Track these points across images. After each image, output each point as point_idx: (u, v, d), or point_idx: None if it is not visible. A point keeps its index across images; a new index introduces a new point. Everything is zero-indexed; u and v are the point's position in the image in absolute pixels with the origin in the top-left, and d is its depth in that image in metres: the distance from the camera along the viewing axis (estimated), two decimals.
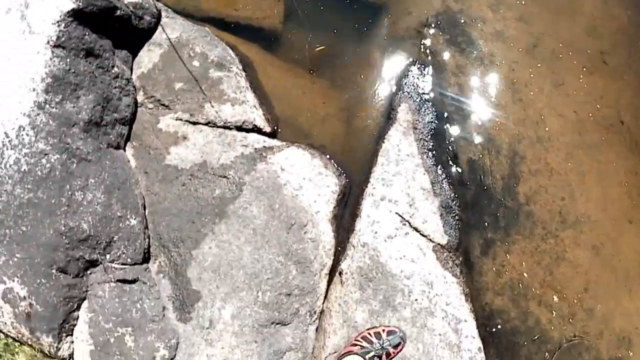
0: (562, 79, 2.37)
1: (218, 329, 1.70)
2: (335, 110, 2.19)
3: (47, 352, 1.62)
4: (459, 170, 2.13)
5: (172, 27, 2.12)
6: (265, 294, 1.74)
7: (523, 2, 2.47)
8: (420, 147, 2.06)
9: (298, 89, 2.19)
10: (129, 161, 1.91)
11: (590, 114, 2.34)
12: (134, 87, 2.01)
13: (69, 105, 1.75)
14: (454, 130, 2.19)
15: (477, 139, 2.20)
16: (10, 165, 1.63)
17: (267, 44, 2.28)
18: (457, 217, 2.02)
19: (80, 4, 1.74)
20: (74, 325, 1.68)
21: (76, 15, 1.74)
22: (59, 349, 1.64)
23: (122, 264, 1.74)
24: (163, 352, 1.68)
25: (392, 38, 2.33)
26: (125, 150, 1.94)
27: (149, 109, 2.00)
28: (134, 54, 2.08)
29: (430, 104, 2.20)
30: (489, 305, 2.00)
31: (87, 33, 1.81)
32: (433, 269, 1.87)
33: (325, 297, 1.85)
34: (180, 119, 1.97)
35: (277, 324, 1.73)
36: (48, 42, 1.70)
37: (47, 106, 1.69)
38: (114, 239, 1.74)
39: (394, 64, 2.29)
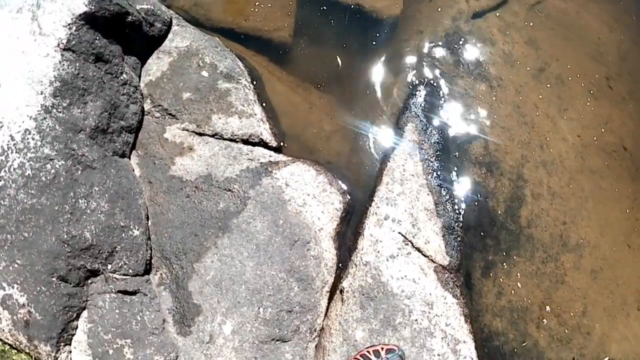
0: (567, 104, 2.39)
1: (218, 344, 1.69)
2: (341, 127, 2.19)
3: None
4: (463, 191, 2.14)
5: (183, 36, 2.12)
6: (266, 310, 1.73)
7: (532, 26, 2.49)
8: (425, 167, 2.07)
9: (305, 103, 2.19)
10: (133, 170, 1.90)
11: (594, 139, 2.36)
12: (142, 94, 2.00)
13: (76, 111, 1.74)
14: (459, 152, 2.20)
15: (482, 161, 2.21)
16: (14, 169, 1.62)
17: (276, 56, 2.28)
18: (459, 239, 2.03)
19: (93, 7, 1.73)
20: (73, 334, 1.67)
21: (88, 19, 1.73)
22: (57, 358, 1.62)
23: (124, 274, 1.73)
24: None
25: (401, 56, 2.34)
26: (130, 158, 1.93)
27: (156, 117, 1.99)
28: (143, 61, 2.08)
29: (437, 124, 2.21)
30: (488, 326, 2.01)
31: (97, 37, 1.80)
32: (434, 289, 1.88)
33: (326, 314, 1.84)
34: (187, 130, 1.97)
35: (278, 340, 1.73)
36: (58, 45, 1.69)
37: (55, 110, 1.68)
38: (116, 249, 1.73)
39: (401, 82, 2.30)
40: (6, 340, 1.61)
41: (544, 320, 2.05)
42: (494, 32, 2.43)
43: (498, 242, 2.11)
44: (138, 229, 1.78)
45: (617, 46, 2.59)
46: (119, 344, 1.66)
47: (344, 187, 2.03)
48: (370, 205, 1.97)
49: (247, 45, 2.28)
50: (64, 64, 1.69)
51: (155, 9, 2.06)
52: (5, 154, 1.62)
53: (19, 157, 1.62)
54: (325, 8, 2.36)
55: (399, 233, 1.93)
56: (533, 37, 2.47)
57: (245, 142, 1.98)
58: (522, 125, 2.30)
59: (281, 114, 2.15)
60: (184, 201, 1.85)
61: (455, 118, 2.25)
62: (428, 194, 2.02)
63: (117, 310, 1.68)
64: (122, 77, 1.91)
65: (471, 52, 2.38)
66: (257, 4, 2.33)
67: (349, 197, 2.01)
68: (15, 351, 1.60)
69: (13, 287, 1.59)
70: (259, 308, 1.73)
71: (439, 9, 2.46)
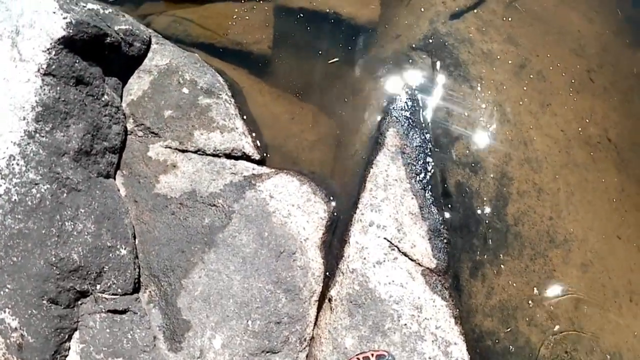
0: (549, 99, 2.39)
1: (209, 358, 1.71)
2: (323, 136, 2.20)
3: None
4: (447, 193, 2.15)
5: (162, 54, 2.14)
6: (255, 322, 1.75)
7: (510, 22, 2.50)
8: (408, 171, 2.08)
9: (286, 114, 2.21)
10: (118, 190, 1.92)
11: (577, 132, 2.36)
12: (124, 114, 2.03)
13: (59, 134, 1.76)
14: (442, 153, 2.21)
15: (465, 161, 2.22)
16: (0, 195, 1.64)
17: (256, 69, 2.30)
18: (445, 241, 2.04)
19: (71, 31, 1.75)
20: (66, 356, 1.69)
21: (67, 43, 1.76)
22: None
23: (113, 294, 1.75)
24: None
25: (380, 61, 2.36)
26: (115, 179, 1.96)
27: (139, 136, 2.02)
28: (124, 81, 2.10)
29: (418, 127, 2.22)
30: (478, 326, 2.02)
31: (77, 61, 1.83)
32: (422, 293, 1.89)
33: (315, 323, 1.86)
34: (170, 147, 1.99)
35: (268, 352, 1.74)
36: (38, 70, 1.72)
37: (38, 135, 1.70)
38: (104, 269, 1.75)
39: (381, 87, 2.31)
40: None
41: (535, 317, 2.05)
42: (472, 31, 2.44)
43: (485, 241, 2.12)
44: (125, 248, 1.81)
45: (598, 38, 2.59)
46: None
47: (329, 195, 2.05)
48: (355, 213, 1.99)
49: (227, 59, 2.29)
50: (45, 89, 1.72)
51: (134, 29, 2.08)
52: None
53: (4, 183, 1.65)
54: (302, 16, 2.38)
55: (385, 239, 1.94)
56: (512, 34, 2.48)
57: (228, 156, 2.00)
58: (504, 123, 2.31)
59: (263, 125, 2.17)
60: (169, 218, 1.88)
61: (436, 120, 2.26)
62: (412, 198, 2.03)
63: (108, 330, 1.70)
64: (103, 99, 1.93)
65: (450, 53, 2.38)
66: (235, 17, 2.35)
67: (334, 206, 2.03)
68: None
69: (5, 312, 1.61)
70: (247, 321, 1.75)
71: (417, 13, 2.47)
